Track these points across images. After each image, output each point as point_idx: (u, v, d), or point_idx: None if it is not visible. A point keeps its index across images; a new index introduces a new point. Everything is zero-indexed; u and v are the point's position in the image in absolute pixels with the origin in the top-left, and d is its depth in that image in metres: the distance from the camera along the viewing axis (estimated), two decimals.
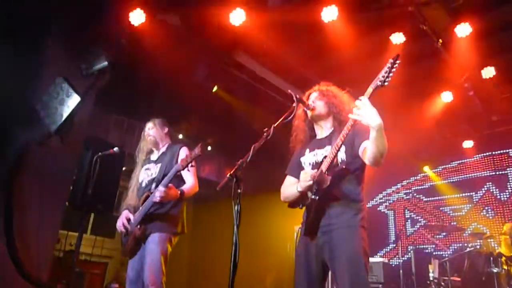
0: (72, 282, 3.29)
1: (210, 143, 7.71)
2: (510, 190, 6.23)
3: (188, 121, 6.97)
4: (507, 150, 6.38)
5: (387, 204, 7.51)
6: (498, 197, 6.31)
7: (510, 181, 6.26)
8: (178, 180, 2.93)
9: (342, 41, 4.50)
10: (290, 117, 2.08)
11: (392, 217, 7.35)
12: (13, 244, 3.68)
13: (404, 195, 7.34)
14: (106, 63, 4.25)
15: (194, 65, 5.12)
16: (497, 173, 6.42)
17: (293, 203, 2.23)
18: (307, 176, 2.09)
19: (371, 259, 5.50)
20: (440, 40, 4.56)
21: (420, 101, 5.73)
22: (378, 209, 7.53)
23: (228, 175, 1.74)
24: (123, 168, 4.63)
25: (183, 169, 2.61)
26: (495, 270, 4.24)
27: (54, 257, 4.58)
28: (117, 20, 4.18)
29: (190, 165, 2.59)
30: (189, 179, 2.96)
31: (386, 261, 5.89)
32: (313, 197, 2.11)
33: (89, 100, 4.52)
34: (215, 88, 5.49)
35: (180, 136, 7.10)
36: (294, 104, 2.14)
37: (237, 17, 4.27)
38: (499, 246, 5.42)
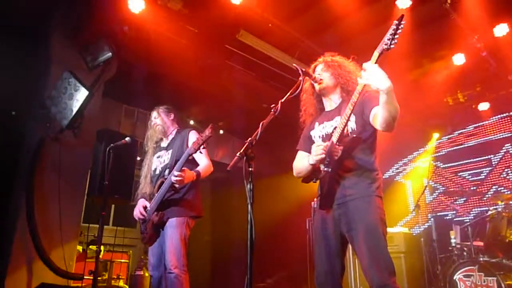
0: (98, 272, 3.37)
1: (222, 127, 7.71)
2: None
3: (197, 106, 6.98)
4: None
5: (404, 173, 7.44)
6: None
7: None
8: (191, 163, 2.94)
9: (346, 11, 4.38)
10: (297, 92, 2.05)
11: (410, 187, 7.29)
12: (39, 242, 3.79)
13: (421, 163, 7.24)
14: (110, 54, 4.25)
15: (198, 49, 5.06)
16: None
17: (307, 178, 2.22)
18: (318, 149, 2.06)
19: (392, 230, 5.49)
20: (448, 1, 4.39)
21: (431, 65, 5.58)
22: (396, 179, 7.48)
23: (238, 154, 1.73)
24: (138, 158, 4.68)
25: (195, 152, 2.62)
26: None
27: (78, 249, 4.70)
28: (117, 9, 4.14)
29: (202, 147, 2.60)
30: (203, 160, 2.97)
31: (407, 230, 5.88)
32: (325, 169, 2.08)
33: (98, 93, 4.55)
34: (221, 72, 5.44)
35: (192, 122, 7.12)
36: (300, 78, 2.10)
37: None
38: None
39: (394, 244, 5.22)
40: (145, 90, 5.67)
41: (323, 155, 2.04)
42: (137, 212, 3.03)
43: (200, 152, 2.64)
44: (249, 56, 5.25)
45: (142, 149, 3.40)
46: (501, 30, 4.85)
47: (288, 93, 2.00)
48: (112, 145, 3.45)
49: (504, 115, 6.41)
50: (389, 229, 5.25)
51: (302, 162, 2.27)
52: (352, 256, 5.14)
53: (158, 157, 3.21)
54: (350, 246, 2.13)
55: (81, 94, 3.94)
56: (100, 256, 3.61)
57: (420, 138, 7.18)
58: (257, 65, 5.44)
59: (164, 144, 3.26)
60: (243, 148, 1.74)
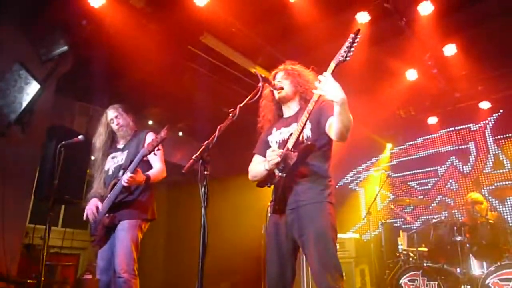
0: (43, 275, 3.21)
1: (181, 128, 7.62)
2: (471, 163, 6.52)
3: (157, 107, 6.85)
4: (469, 125, 6.65)
5: (358, 181, 7.71)
6: (461, 170, 6.60)
7: (472, 154, 6.54)
8: (146, 165, 2.89)
9: (308, 22, 4.49)
10: (256, 97, 2.08)
11: (363, 194, 7.56)
12: None
13: (374, 172, 7.55)
14: (65, 47, 4.08)
15: (161, 48, 4.99)
16: (460, 147, 6.69)
17: (261, 182, 2.25)
18: (273, 154, 2.10)
19: (344, 236, 5.67)
20: (404, 19, 4.63)
21: (385, 79, 5.85)
22: (350, 186, 7.73)
23: (193, 157, 1.72)
24: (92, 157, 4.52)
25: (150, 153, 2.57)
26: (458, 239, 4.46)
27: (23, 251, 4.45)
28: (75, 2, 3.99)
29: (156, 149, 2.56)
30: (156, 163, 2.93)
31: (358, 236, 6.08)
32: (280, 174, 2.13)
33: (50, 87, 4.36)
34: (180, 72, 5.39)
35: (150, 123, 6.97)
36: (260, 84, 2.13)
37: None
38: (462, 216, 5.71)
39: (345, 249, 5.38)
40: (102, 88, 5.48)
41: (278, 161, 2.09)
42: (89, 212, 2.92)
43: (155, 154, 2.59)
44: (211, 59, 5.24)
45: (95, 148, 3.29)
46: (450, 50, 5.18)
47: (247, 98, 2.03)
48: (63, 142, 3.31)
49: (451, 129, 6.83)
50: (341, 235, 5.43)
51: (257, 166, 2.31)
52: (305, 261, 5.24)
53: (113, 157, 3.11)
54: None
55: (32, 88, 3.76)
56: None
57: (374, 148, 7.48)
58: (219, 68, 5.44)
59: (120, 145, 3.17)
60: (199, 151, 1.74)
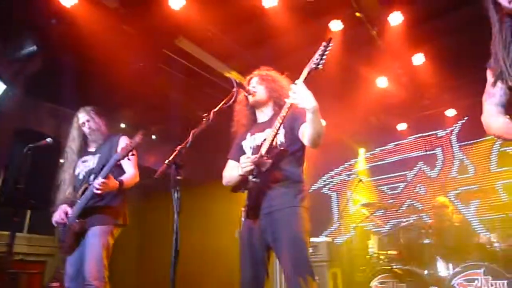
0: (6, 284, 3.08)
1: (154, 132, 7.51)
2: (438, 168, 6.76)
3: (130, 110, 6.73)
4: (436, 131, 6.90)
5: (331, 186, 7.83)
6: (429, 175, 6.83)
7: (438, 159, 6.79)
8: (118, 170, 2.84)
9: (283, 28, 4.55)
10: (230, 102, 2.09)
11: (336, 198, 7.69)
12: None
13: (346, 177, 7.69)
14: (34, 47, 3.96)
15: (134, 50, 4.92)
16: (428, 152, 6.93)
17: (235, 187, 2.26)
18: (246, 160, 2.12)
19: (317, 239, 5.73)
20: (375, 28, 4.77)
21: (357, 86, 5.99)
22: (322, 191, 7.83)
23: (166, 162, 1.71)
24: (61, 161, 4.38)
25: (123, 158, 2.53)
26: (426, 241, 4.61)
27: None
28: (45, 0, 3.88)
29: (130, 154, 2.52)
30: (129, 169, 2.88)
31: (331, 240, 6.17)
32: (254, 180, 2.14)
33: (18, 88, 4.21)
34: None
35: (123, 126, 6.84)
36: (234, 89, 2.15)
37: (177, 0, 4.18)
38: (430, 219, 5.90)
39: (318, 253, 5.44)
40: (72, 89, 5.33)
41: (251, 167, 2.10)
42: (58, 218, 2.83)
43: (128, 159, 2.55)
44: (186, 62, 5.21)
45: (65, 151, 3.19)
46: (418, 59, 5.37)
47: (221, 103, 2.04)
48: (31, 145, 3.20)
49: (419, 135, 7.06)
50: (314, 239, 5.49)
51: (231, 171, 2.32)
52: (279, 265, 5.27)
53: (84, 161, 3.04)
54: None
55: None
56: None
57: (346, 153, 7.62)
58: (194, 72, 5.41)
59: (91, 148, 3.10)
60: (172, 156, 1.73)
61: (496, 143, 6.27)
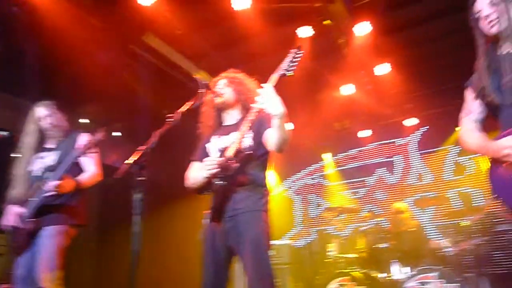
0: None
1: (119, 129, 7.31)
2: (397, 175, 7.03)
3: (93, 105, 6.50)
4: (397, 139, 7.17)
5: (294, 189, 7.93)
6: (388, 181, 7.08)
7: (398, 167, 7.05)
8: (78, 168, 2.73)
9: (253, 31, 4.57)
10: (197, 103, 2.07)
11: (299, 202, 7.79)
12: None
13: (309, 181, 7.82)
14: None
15: (100, 44, 4.77)
16: (388, 159, 7.18)
17: (200, 189, 2.23)
18: (212, 162, 2.11)
19: (278, 242, 5.79)
20: (343, 36, 4.89)
21: (323, 92, 6.11)
22: (286, 194, 7.92)
23: (129, 161, 1.67)
24: (16, 156, 4.16)
25: (81, 156, 2.43)
26: (383, 245, 4.77)
27: None
28: None
29: (90, 151, 2.43)
30: (90, 167, 2.78)
31: (292, 243, 6.25)
32: (219, 183, 2.13)
33: None
34: (120, 70, 5.19)
35: (85, 121, 6.60)
36: (201, 90, 2.13)
37: None
38: (388, 224, 6.11)
39: (280, 256, 5.49)
40: (33, 80, 5.09)
41: (216, 170, 2.09)
42: (9, 216, 2.68)
43: (89, 157, 2.46)
44: (154, 60, 5.11)
45: (21, 146, 3.04)
46: (384, 68, 5.55)
47: (187, 104, 2.01)
48: None
49: (381, 143, 7.30)
50: (276, 242, 5.54)
51: (196, 173, 2.29)
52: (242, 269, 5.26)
53: (41, 157, 2.90)
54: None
55: None
56: None
57: (311, 157, 7.74)
58: (161, 70, 5.32)
59: (50, 144, 2.96)
60: (135, 156, 1.69)
61: (451, 153, 6.60)
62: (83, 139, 2.80)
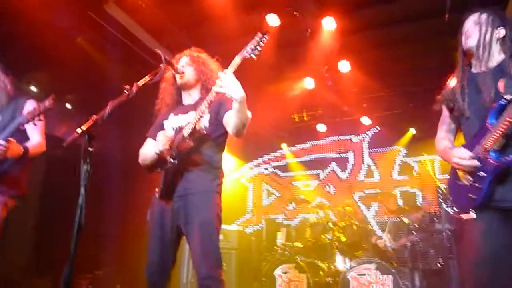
0: None
1: (70, 100, 6.95)
2: (348, 170, 7.29)
3: (43, 73, 6.12)
4: (351, 136, 7.41)
5: (248, 177, 7.99)
6: (339, 176, 7.33)
7: (349, 162, 7.32)
8: (22, 136, 2.56)
9: (220, 13, 4.50)
10: (156, 78, 2.01)
11: (251, 189, 7.87)
12: None
13: (264, 169, 7.91)
14: None
15: (56, 9, 4.47)
16: (341, 155, 7.42)
17: (151, 167, 2.19)
18: (166, 139, 2.07)
19: (228, 227, 5.82)
20: (309, 30, 4.93)
21: (285, 83, 6.17)
22: (241, 180, 7.97)
23: (78, 131, 1.59)
24: None
25: (27, 123, 2.29)
26: (328, 237, 4.96)
27: None
28: None
29: (37, 119, 2.29)
30: (35, 136, 2.62)
31: (242, 229, 6.32)
32: (172, 161, 2.10)
33: None
34: (78, 39, 4.92)
35: (33, 89, 6.20)
36: (162, 66, 2.07)
37: None
38: (335, 217, 6.34)
39: (228, 240, 5.54)
40: None
41: (167, 146, 2.06)
42: None
43: (35, 125, 2.31)
44: (114, 31, 4.88)
45: None
46: (344, 66, 5.67)
47: (146, 78, 1.95)
48: None
49: (336, 138, 7.52)
50: (225, 227, 5.58)
51: (149, 150, 2.24)
52: (188, 250, 5.25)
53: None
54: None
55: None
56: None
57: (268, 146, 7.82)
58: (122, 43, 5.09)
59: None
60: (86, 125, 1.61)
61: (400, 153, 6.93)
62: (29, 105, 2.63)
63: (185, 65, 2.37)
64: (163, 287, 2.12)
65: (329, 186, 7.29)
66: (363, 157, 7.23)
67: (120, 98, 1.78)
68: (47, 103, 2.25)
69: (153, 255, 2.14)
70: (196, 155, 2.13)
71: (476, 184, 1.76)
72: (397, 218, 5.14)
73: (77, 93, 6.66)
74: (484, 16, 1.94)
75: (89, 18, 4.65)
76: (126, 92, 1.79)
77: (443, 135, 2.07)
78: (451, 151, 1.92)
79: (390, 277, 4.21)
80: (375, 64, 5.72)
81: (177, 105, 2.43)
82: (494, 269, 1.66)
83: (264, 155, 7.98)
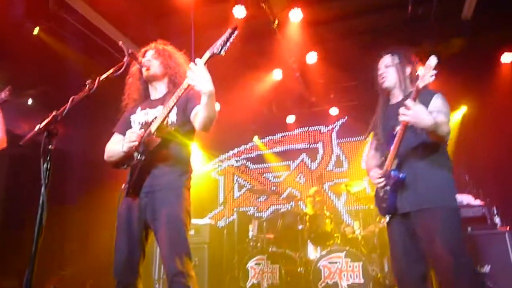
0: None
1: (31, 96, 6.65)
2: (318, 161, 7.40)
3: (2, 67, 5.81)
4: (320, 127, 7.51)
5: (219, 170, 7.96)
6: (309, 166, 7.42)
7: (319, 153, 7.43)
8: None
9: (186, 5, 4.42)
10: (120, 72, 1.94)
11: (222, 182, 7.85)
12: None
13: (235, 162, 7.90)
14: None
15: (14, 2, 4.26)
16: (310, 146, 7.51)
17: (118, 163, 2.14)
18: (133, 135, 2.02)
19: (199, 221, 5.77)
20: (276, 21, 4.93)
21: (253, 75, 6.15)
22: (211, 174, 7.93)
23: (37, 128, 1.52)
24: None
25: None
26: (300, 227, 5.02)
27: None
28: None
29: None
30: None
31: (213, 222, 6.29)
32: (139, 157, 2.05)
33: None
34: (36, 30, 4.69)
35: None
36: (125, 59, 2.00)
37: None
38: (305, 207, 6.43)
39: (199, 235, 5.50)
40: None
41: (136, 143, 2.01)
42: None
43: None
44: (76, 23, 4.69)
45: None
46: (311, 58, 5.72)
47: (109, 72, 1.88)
48: None
49: (305, 129, 7.60)
50: (196, 221, 5.53)
51: (115, 146, 2.18)
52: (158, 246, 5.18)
53: None
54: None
55: None
56: None
57: (239, 139, 7.80)
58: (84, 35, 4.91)
59: None
60: (45, 122, 1.54)
61: (368, 143, 7.09)
62: None
63: (151, 58, 2.32)
64: (133, 283, 2.08)
65: (300, 177, 7.38)
66: (332, 148, 7.35)
67: (81, 93, 1.71)
68: (3, 94, 2.15)
69: (120, 254, 2.10)
70: (163, 151, 2.09)
71: (385, 196, 2.29)
72: (366, 206, 5.27)
73: (39, 88, 6.39)
74: (395, 58, 2.39)
75: (47, 8, 4.45)
76: (87, 86, 1.73)
77: (372, 152, 2.55)
78: (370, 172, 2.41)
79: (360, 264, 4.33)
80: (342, 55, 5.81)
81: (145, 100, 2.37)
82: (403, 260, 2.20)
83: (234, 148, 7.97)
